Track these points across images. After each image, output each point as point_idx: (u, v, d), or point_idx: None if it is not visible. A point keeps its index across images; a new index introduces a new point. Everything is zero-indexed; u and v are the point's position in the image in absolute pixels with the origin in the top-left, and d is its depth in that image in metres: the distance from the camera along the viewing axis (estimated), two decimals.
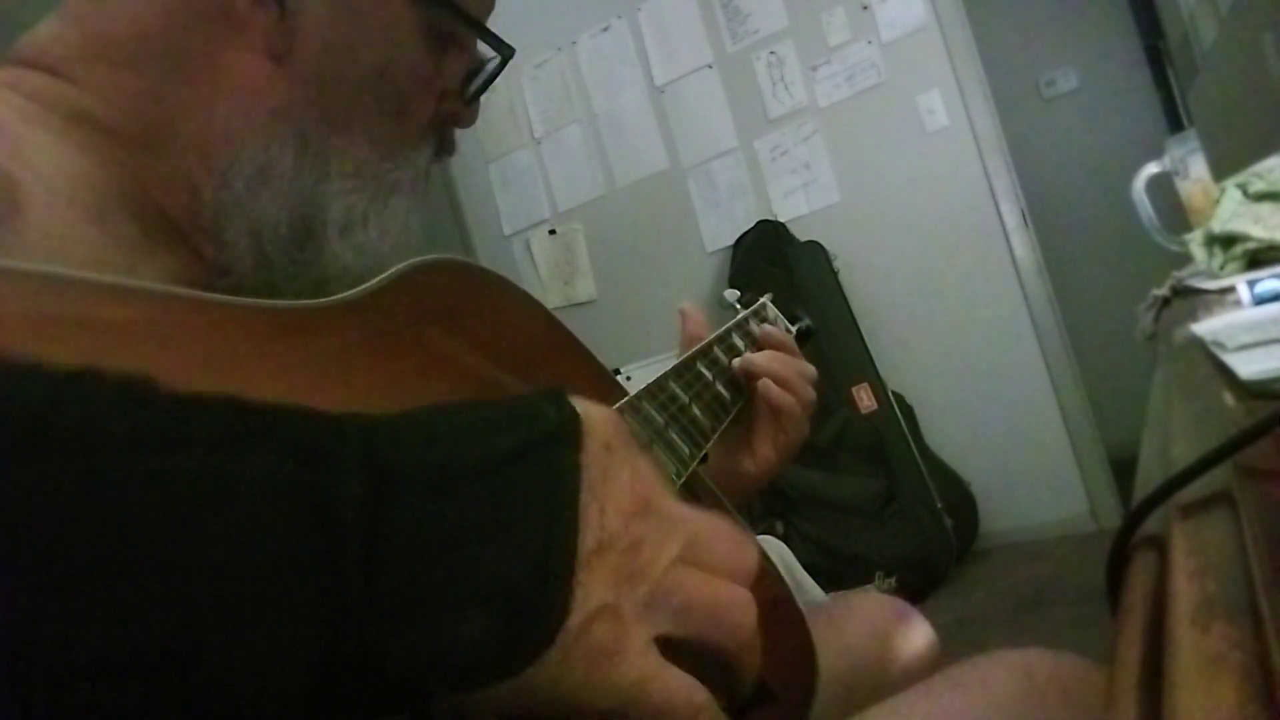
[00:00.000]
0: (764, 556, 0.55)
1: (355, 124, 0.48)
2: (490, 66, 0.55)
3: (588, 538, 0.27)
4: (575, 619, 0.26)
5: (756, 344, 0.70)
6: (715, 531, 0.31)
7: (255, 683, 0.21)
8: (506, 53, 0.54)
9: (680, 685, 0.28)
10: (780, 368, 0.66)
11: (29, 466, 0.19)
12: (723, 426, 0.60)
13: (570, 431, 0.28)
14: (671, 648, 0.29)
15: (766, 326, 0.71)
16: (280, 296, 0.46)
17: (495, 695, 0.25)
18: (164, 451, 0.21)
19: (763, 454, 0.67)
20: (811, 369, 0.70)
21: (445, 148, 0.56)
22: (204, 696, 0.21)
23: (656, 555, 0.28)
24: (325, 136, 0.47)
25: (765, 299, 0.77)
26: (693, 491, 0.53)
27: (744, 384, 0.66)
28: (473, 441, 0.26)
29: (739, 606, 0.30)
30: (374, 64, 0.48)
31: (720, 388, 0.63)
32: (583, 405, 0.29)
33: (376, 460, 0.24)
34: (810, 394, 0.68)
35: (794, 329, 0.77)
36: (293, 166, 0.46)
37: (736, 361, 0.66)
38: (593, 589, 0.26)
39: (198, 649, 0.20)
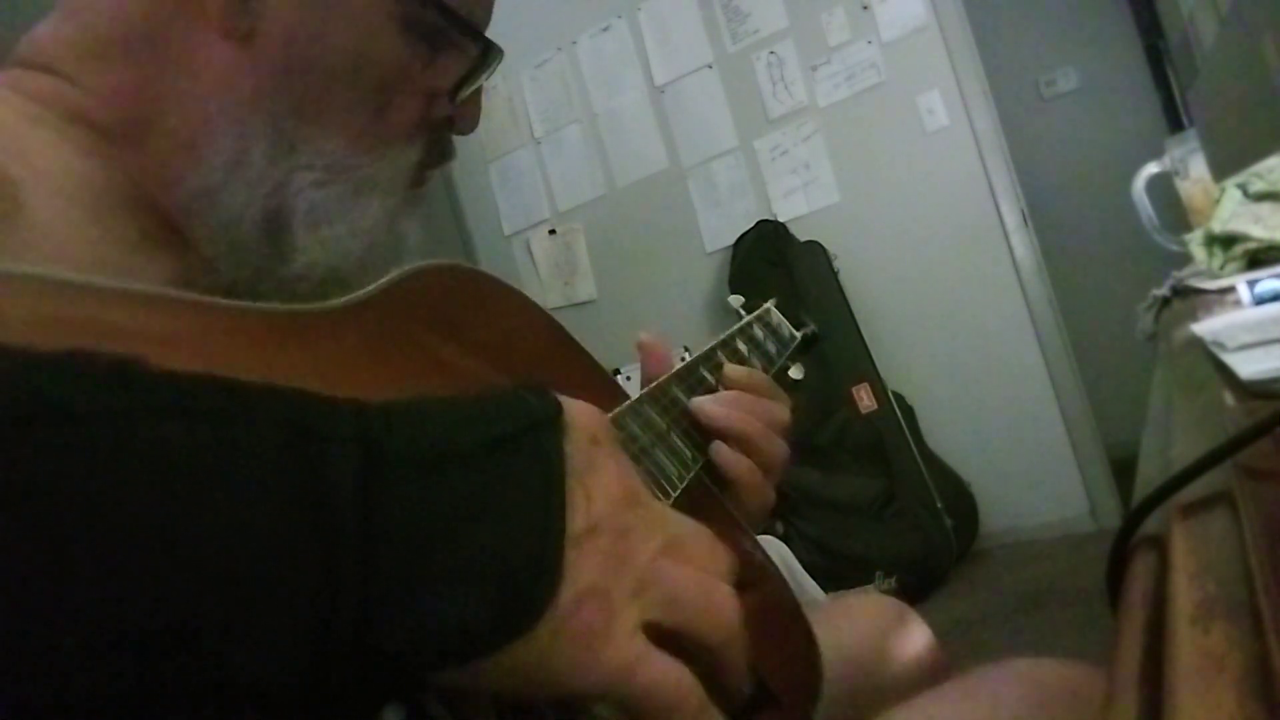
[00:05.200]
0: (769, 561, 0.55)
1: (328, 116, 0.47)
2: (480, 70, 0.53)
3: (576, 520, 0.28)
4: (565, 597, 0.26)
5: (720, 381, 0.59)
6: (693, 532, 0.33)
7: (251, 660, 0.21)
8: (494, 54, 0.52)
9: (667, 670, 0.29)
10: (739, 422, 0.54)
11: (22, 443, 0.19)
12: None
13: (554, 421, 0.29)
14: (664, 643, 0.29)
15: (732, 366, 0.60)
16: (258, 296, 0.46)
17: (486, 676, 0.26)
18: (157, 424, 0.21)
19: None
20: (785, 415, 0.57)
21: (444, 152, 0.54)
22: (200, 673, 0.21)
23: (643, 544, 0.30)
24: (296, 127, 0.46)
25: (769, 304, 0.76)
26: (696, 495, 0.53)
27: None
28: (463, 427, 0.27)
29: (724, 601, 0.31)
30: (346, 53, 0.47)
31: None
32: (567, 400, 0.30)
33: (369, 439, 0.24)
34: (778, 451, 0.55)
35: (799, 335, 0.77)
36: (265, 156, 0.45)
37: (692, 403, 0.54)
38: (582, 569, 0.27)
39: (193, 625, 0.21)
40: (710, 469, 0.54)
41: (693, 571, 0.31)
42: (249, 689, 0.22)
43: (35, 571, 0.19)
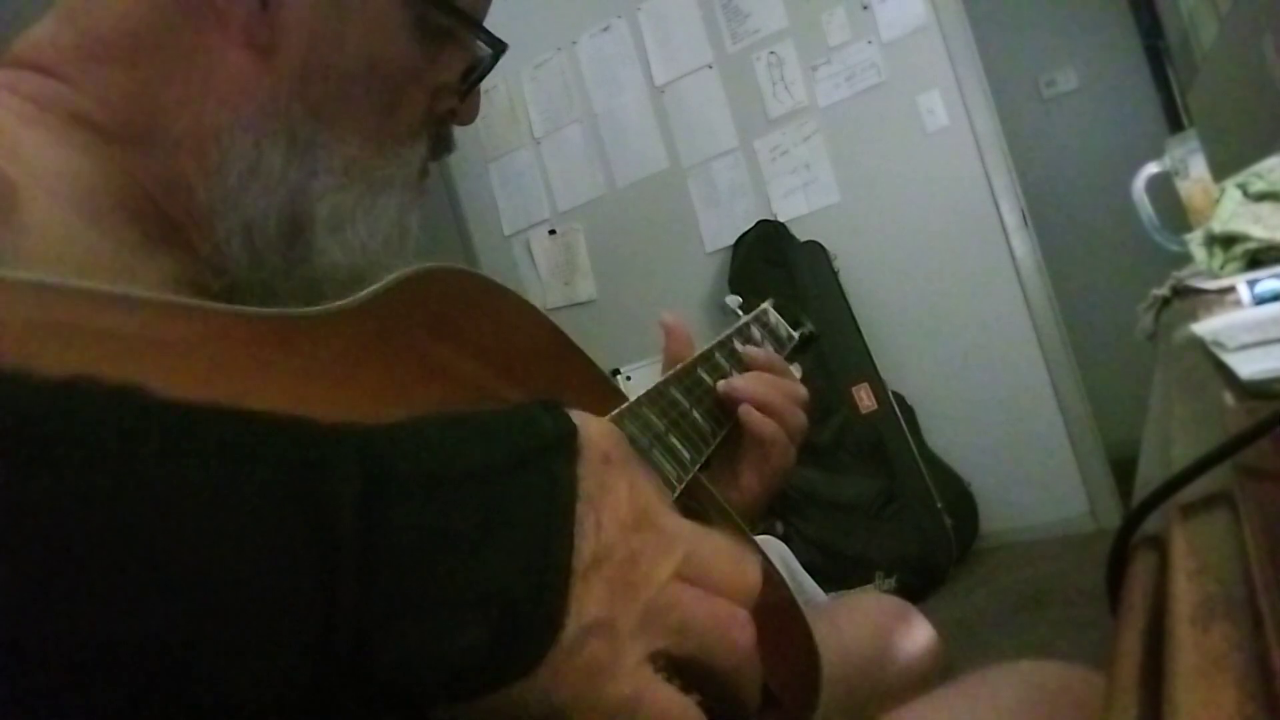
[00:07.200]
0: (766, 559, 0.55)
1: (344, 119, 0.48)
2: (484, 62, 0.54)
3: (584, 549, 0.27)
4: (569, 632, 0.26)
5: (741, 364, 0.64)
6: (715, 548, 0.31)
7: (249, 687, 0.21)
8: (499, 47, 0.53)
9: (672, 704, 0.28)
10: (764, 392, 0.60)
11: (23, 472, 0.19)
12: (724, 432, 0.60)
13: (567, 443, 0.28)
14: (672, 667, 0.28)
15: (750, 348, 0.65)
16: (275, 295, 0.46)
17: (487, 709, 0.25)
18: (159, 458, 0.21)
19: (747, 483, 0.62)
20: (801, 390, 0.64)
21: (444, 145, 0.55)
22: (198, 700, 0.21)
23: (653, 569, 0.28)
24: (313, 132, 0.47)
25: (767, 304, 0.77)
26: (695, 497, 0.53)
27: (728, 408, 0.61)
28: (468, 450, 0.26)
29: (737, 625, 0.30)
30: (362, 57, 0.47)
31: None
32: (581, 418, 0.29)
33: (371, 466, 0.24)
34: (799, 420, 0.62)
35: (796, 334, 0.77)
36: (282, 163, 0.46)
37: (720, 384, 0.60)
38: (588, 602, 0.26)
39: (192, 653, 0.20)
40: (727, 441, 0.59)
41: (703, 595, 0.30)
42: (245, 715, 0.21)
43: (30, 599, 0.19)
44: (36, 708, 0.19)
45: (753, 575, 0.32)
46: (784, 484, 0.63)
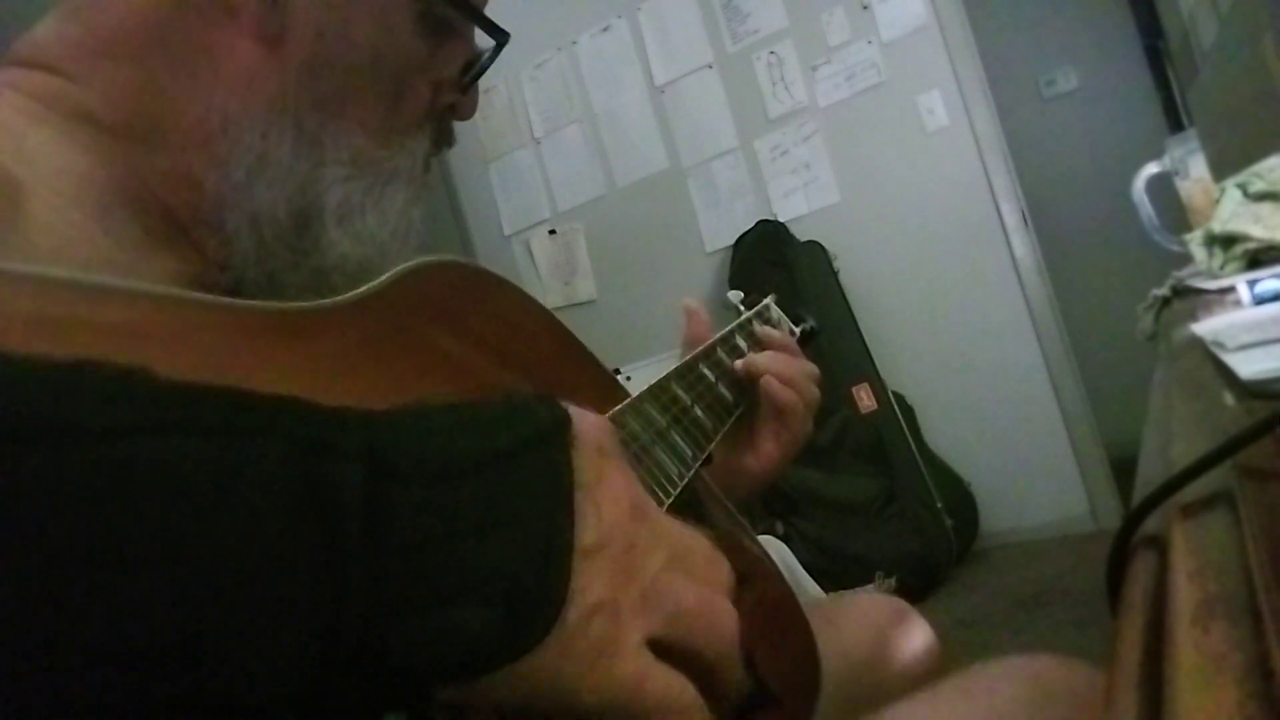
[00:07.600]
0: (766, 557, 0.56)
1: (350, 111, 0.48)
2: (486, 55, 0.55)
3: (585, 534, 0.27)
4: (574, 612, 0.26)
5: (759, 345, 0.70)
6: (694, 546, 0.33)
7: (256, 673, 0.21)
8: (501, 38, 0.54)
9: (671, 683, 0.29)
10: (782, 366, 0.66)
11: (28, 454, 0.19)
12: (725, 428, 0.60)
13: (563, 432, 0.29)
14: (663, 656, 0.29)
15: (767, 329, 0.71)
16: (282, 288, 0.47)
17: (493, 690, 0.26)
18: (164, 437, 0.21)
19: (766, 451, 0.66)
20: (814, 369, 0.70)
21: (444, 139, 0.56)
22: (204, 685, 0.21)
23: (649, 558, 0.29)
24: (320, 123, 0.47)
25: (769, 300, 0.77)
26: (695, 493, 0.53)
27: (746, 385, 0.66)
28: (470, 437, 0.27)
29: (724, 615, 0.31)
30: (368, 50, 0.48)
31: (723, 389, 0.63)
32: (575, 410, 0.30)
33: (376, 451, 0.24)
34: (814, 393, 0.68)
35: (798, 330, 0.77)
36: (289, 154, 0.46)
37: (739, 362, 0.65)
38: (591, 584, 0.27)
39: (198, 637, 0.20)
40: (745, 415, 0.64)
41: (695, 585, 0.31)
42: (251, 703, 0.21)
43: (37, 584, 0.19)
44: (43, 697, 0.19)
45: (725, 573, 0.33)
46: (800, 453, 0.68)
